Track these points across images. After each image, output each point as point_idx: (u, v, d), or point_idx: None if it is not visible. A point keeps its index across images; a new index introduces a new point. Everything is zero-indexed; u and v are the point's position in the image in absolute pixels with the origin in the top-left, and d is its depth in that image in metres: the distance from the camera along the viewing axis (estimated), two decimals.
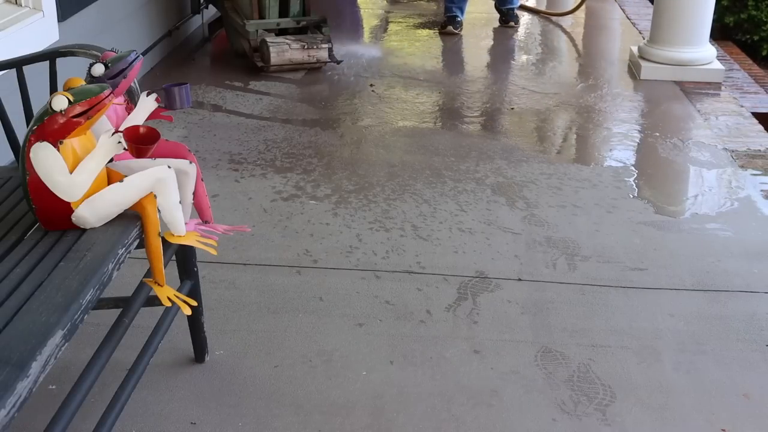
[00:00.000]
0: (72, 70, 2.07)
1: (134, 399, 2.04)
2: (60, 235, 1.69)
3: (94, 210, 1.68)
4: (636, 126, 4.09)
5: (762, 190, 3.35)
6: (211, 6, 5.63)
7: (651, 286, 2.66)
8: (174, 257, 2.02)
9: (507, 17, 5.79)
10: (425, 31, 5.82)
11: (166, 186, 1.73)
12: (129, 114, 1.92)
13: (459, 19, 5.68)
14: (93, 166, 1.66)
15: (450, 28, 5.67)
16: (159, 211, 1.74)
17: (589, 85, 4.74)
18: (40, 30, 3.36)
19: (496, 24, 5.93)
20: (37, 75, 2.27)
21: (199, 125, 3.97)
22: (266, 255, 2.80)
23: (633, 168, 3.58)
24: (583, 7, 6.60)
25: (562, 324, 2.45)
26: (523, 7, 6.28)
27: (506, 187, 3.35)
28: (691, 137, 3.95)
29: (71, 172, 1.64)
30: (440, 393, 2.15)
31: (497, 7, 5.90)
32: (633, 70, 4.90)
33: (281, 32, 4.84)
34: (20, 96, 2.11)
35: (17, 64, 2.12)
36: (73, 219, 1.68)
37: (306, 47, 4.68)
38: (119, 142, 1.66)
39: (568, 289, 2.64)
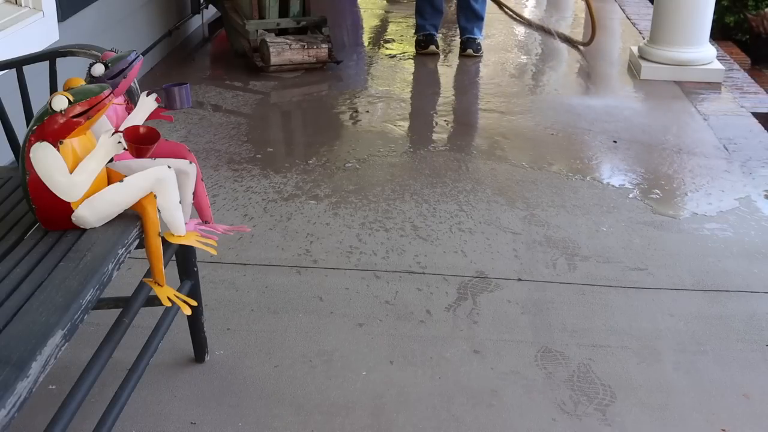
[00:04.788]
0: (72, 70, 2.07)
1: (134, 399, 2.04)
2: (60, 235, 1.69)
3: (94, 210, 1.68)
4: (636, 126, 4.08)
5: (762, 190, 3.35)
6: (211, 6, 5.63)
7: (651, 286, 2.66)
8: (174, 257, 2.02)
9: (464, 45, 5.19)
10: None
11: (166, 186, 1.73)
12: (129, 114, 1.92)
13: (436, 36, 5.25)
14: (93, 166, 1.66)
15: (432, 47, 5.20)
16: (159, 211, 1.74)
17: (588, 85, 4.74)
18: (40, 30, 3.36)
19: (496, 23, 5.93)
20: (37, 75, 2.27)
21: (199, 125, 3.97)
22: (266, 255, 2.80)
23: (633, 168, 3.58)
24: (583, 7, 6.61)
25: (562, 324, 2.45)
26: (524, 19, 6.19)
27: (506, 187, 3.35)
28: (691, 137, 3.94)
29: (71, 172, 1.64)
30: (440, 393, 2.15)
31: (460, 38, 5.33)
32: (633, 70, 4.90)
33: (281, 32, 4.84)
34: (20, 96, 2.11)
35: (17, 64, 2.12)
36: (73, 219, 1.68)
37: (306, 47, 4.68)
38: (119, 142, 1.66)
39: (568, 289, 2.64)
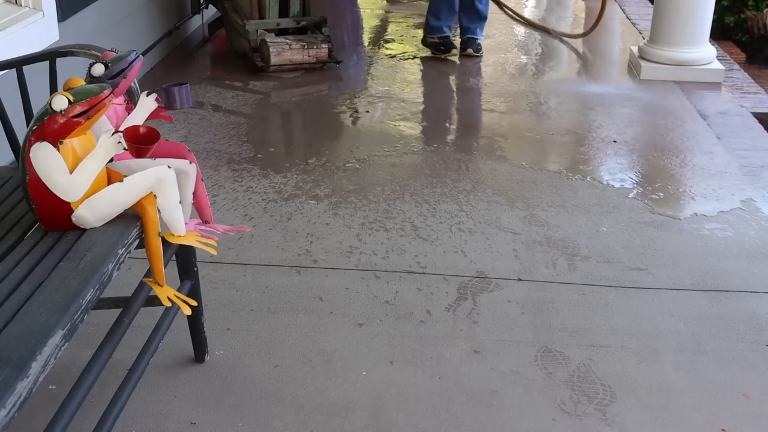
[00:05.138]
0: (72, 70, 2.07)
1: (134, 399, 2.04)
2: (60, 235, 1.69)
3: (94, 210, 1.68)
4: (636, 126, 4.09)
5: (762, 190, 3.35)
6: (211, 6, 5.63)
7: (651, 286, 2.66)
8: (174, 257, 2.02)
9: (465, 45, 5.15)
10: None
11: (166, 186, 1.73)
12: (129, 114, 1.92)
13: (451, 38, 5.19)
14: (93, 166, 1.66)
15: (453, 50, 5.14)
16: (159, 211, 1.74)
17: (588, 85, 4.74)
18: (40, 30, 3.36)
19: (496, 23, 5.93)
20: (37, 75, 2.27)
21: (199, 125, 3.97)
22: (266, 255, 2.80)
23: (633, 168, 3.58)
24: (584, 7, 6.62)
25: (562, 324, 2.45)
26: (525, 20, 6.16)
27: (506, 187, 3.35)
28: (691, 137, 3.94)
29: (71, 172, 1.64)
30: (440, 393, 2.15)
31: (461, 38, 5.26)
32: (633, 70, 4.90)
33: (281, 32, 4.84)
34: (20, 96, 2.11)
35: (17, 64, 2.12)
36: (73, 219, 1.68)
37: (306, 47, 4.68)
38: (119, 142, 1.66)
39: (568, 289, 2.64)
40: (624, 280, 2.69)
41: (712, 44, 4.92)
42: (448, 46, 5.13)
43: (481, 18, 5.18)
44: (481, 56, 5.16)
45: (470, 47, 5.14)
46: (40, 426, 1.53)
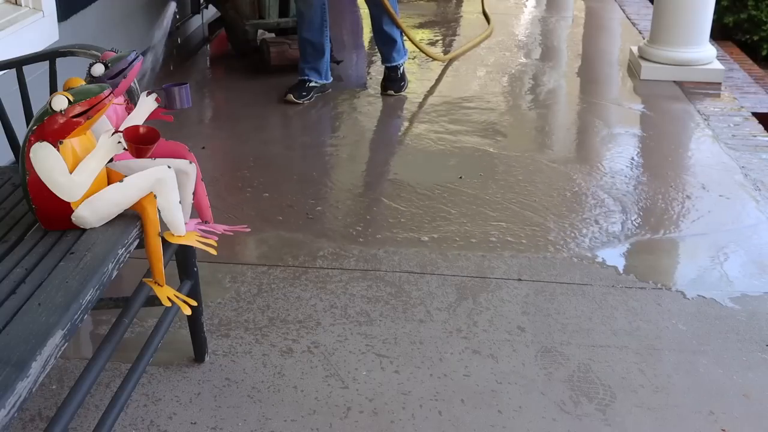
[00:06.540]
0: (72, 70, 2.07)
1: (134, 399, 2.04)
2: (60, 235, 1.69)
3: (94, 210, 1.68)
4: (636, 126, 4.09)
5: (762, 191, 3.35)
6: (211, 6, 5.63)
7: (651, 286, 2.66)
8: (174, 257, 2.02)
9: (386, 83, 4.38)
10: (425, 32, 5.82)
11: (166, 186, 1.73)
12: (129, 114, 1.92)
13: (312, 84, 4.25)
14: (93, 166, 1.66)
15: (291, 96, 4.17)
16: (159, 211, 1.74)
17: (588, 85, 4.74)
18: (40, 30, 3.36)
19: (496, 23, 5.93)
20: (37, 75, 2.27)
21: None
22: (266, 255, 2.80)
23: (633, 168, 3.58)
24: (583, 6, 6.61)
25: (562, 324, 2.45)
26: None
27: (507, 186, 3.34)
28: (691, 137, 3.95)
29: (71, 172, 1.64)
30: (440, 393, 2.15)
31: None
32: (633, 70, 4.90)
33: (281, 32, 4.85)
34: (20, 96, 2.11)
35: (17, 64, 2.12)
36: (73, 219, 1.68)
37: None
38: (119, 142, 1.66)
39: (568, 289, 2.64)
40: (624, 280, 2.69)
41: (712, 44, 4.92)
42: (289, 89, 4.24)
43: (392, 41, 4.46)
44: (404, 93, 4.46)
45: (390, 86, 4.42)
46: (40, 426, 1.53)
